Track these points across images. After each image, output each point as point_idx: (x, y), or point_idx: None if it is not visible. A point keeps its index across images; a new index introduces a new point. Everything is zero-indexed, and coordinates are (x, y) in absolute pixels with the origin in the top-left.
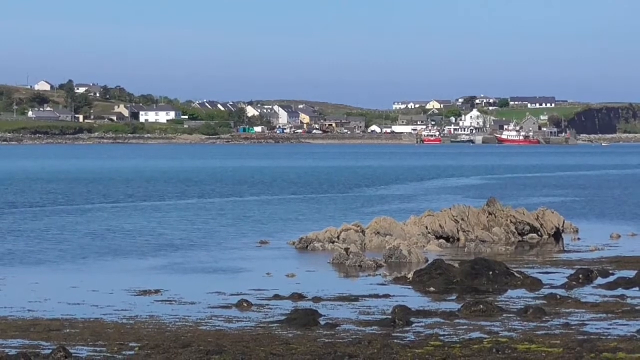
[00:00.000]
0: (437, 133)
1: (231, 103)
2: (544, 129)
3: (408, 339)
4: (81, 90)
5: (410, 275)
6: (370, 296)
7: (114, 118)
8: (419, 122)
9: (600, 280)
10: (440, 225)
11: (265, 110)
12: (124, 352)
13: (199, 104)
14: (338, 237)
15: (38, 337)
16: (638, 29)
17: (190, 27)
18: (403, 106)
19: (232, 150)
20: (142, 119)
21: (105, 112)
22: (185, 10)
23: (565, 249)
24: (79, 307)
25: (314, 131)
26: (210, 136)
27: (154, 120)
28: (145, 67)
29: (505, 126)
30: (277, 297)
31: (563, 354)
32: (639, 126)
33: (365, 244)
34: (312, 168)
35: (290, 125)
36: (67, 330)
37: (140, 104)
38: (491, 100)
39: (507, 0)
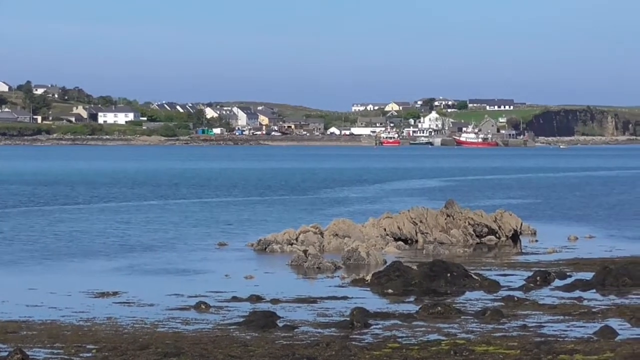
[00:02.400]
0: (396, 135)
1: (190, 104)
2: (503, 131)
3: (366, 341)
4: (39, 91)
5: (368, 277)
6: (328, 298)
7: (73, 119)
8: (378, 124)
9: (557, 283)
10: (398, 228)
11: (224, 112)
12: (81, 355)
13: (157, 105)
14: (297, 239)
15: None
16: (596, 32)
17: (150, 28)
18: (362, 108)
19: (191, 151)
20: (100, 120)
21: (63, 113)
22: (144, 10)
23: (523, 251)
24: (36, 309)
25: (273, 133)
26: (169, 138)
27: (112, 122)
28: (104, 68)
29: (464, 128)
30: (235, 299)
31: (520, 355)
32: (597, 129)
33: (323, 246)
34: (272, 170)
35: (249, 127)
36: (25, 333)
37: (99, 105)
38: (450, 103)
39: (466, 2)
